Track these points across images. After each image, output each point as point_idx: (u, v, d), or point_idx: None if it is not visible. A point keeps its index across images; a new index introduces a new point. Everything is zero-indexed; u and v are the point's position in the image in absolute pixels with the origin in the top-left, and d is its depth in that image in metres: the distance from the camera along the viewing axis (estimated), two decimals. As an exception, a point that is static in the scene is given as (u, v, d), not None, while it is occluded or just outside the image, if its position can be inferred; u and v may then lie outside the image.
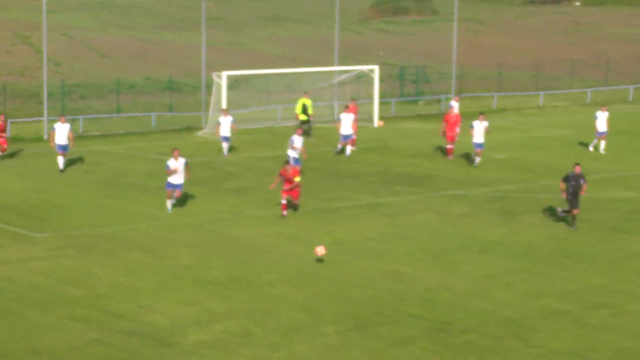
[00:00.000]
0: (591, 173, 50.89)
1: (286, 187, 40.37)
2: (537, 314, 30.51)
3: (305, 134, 60.54)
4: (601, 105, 60.53)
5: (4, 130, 52.98)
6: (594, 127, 58.79)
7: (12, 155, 57.06)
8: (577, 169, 39.98)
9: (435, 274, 35.41)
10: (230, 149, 56.39)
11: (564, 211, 40.48)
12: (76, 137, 58.84)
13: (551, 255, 38.00)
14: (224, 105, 60.54)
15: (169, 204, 39.69)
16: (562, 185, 39.89)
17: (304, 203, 44.66)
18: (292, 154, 48.95)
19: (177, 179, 39.20)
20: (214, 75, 64.70)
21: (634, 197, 49.03)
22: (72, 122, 62.50)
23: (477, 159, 53.22)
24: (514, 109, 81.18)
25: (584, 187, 39.96)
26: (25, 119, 66.19)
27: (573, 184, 39.40)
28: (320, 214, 43.95)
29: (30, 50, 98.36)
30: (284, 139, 57.37)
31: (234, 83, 68.36)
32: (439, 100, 78.91)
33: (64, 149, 50.56)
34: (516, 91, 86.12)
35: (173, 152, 39.35)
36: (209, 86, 67.06)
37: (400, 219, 43.75)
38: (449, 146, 55.12)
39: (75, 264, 35.77)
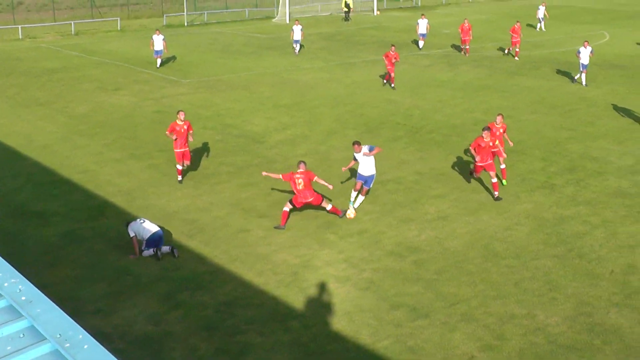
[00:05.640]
0: (500, 40, 57.07)
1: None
2: (471, 122, 35.87)
3: (346, 19, 73.99)
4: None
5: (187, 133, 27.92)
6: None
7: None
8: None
9: (412, 99, 40.96)
10: (300, 47, 57.18)
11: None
12: (202, 24, 71.07)
13: (478, 88, 43.62)
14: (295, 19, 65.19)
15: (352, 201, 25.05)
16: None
17: (332, 59, 52.83)
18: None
19: (368, 169, 24.52)
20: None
21: (524, 54, 54.77)
22: (199, 15, 75.36)
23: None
24: (455, 3, 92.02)
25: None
26: (173, 14, 77.68)
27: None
28: (344, 66, 50.82)
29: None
30: (322, 23, 72.51)
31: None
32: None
33: (158, 53, 50.26)
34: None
35: (354, 146, 24.57)
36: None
37: (390, 67, 50.40)
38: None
39: (206, 96, 41.94)
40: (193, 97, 41.58)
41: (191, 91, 43.17)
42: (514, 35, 52.91)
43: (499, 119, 27.92)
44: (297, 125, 35.89)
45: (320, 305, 18.86)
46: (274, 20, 76.40)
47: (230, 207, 25.47)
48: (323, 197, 24.28)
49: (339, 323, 17.98)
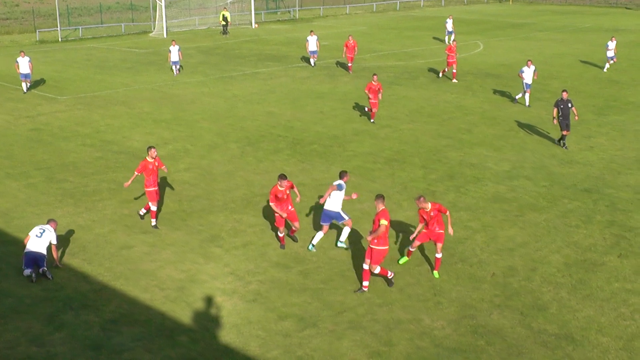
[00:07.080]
0: (378, 50, 61.30)
1: None
2: (351, 133, 36.53)
3: (224, 33, 73.59)
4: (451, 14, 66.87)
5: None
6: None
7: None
8: (564, 95, 33.66)
9: (292, 111, 41.25)
10: (180, 68, 53.83)
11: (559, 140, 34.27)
12: (77, 39, 69.97)
13: (357, 99, 43.62)
14: (172, 40, 56.31)
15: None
16: (554, 112, 33.74)
17: (211, 73, 53.80)
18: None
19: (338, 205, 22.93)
20: (157, -1, 75.23)
21: (402, 65, 56.34)
22: (74, 31, 74.19)
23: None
24: (332, 15, 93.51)
25: (574, 110, 33.89)
26: (46, 29, 75.02)
27: (562, 107, 33.42)
28: (224, 79, 50.59)
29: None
30: (200, 37, 72.18)
31: (168, 4, 76.89)
32: (289, 12, 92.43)
33: (26, 76, 46.70)
34: (333, 5, 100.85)
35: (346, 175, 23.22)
36: (155, 6, 77.56)
37: (270, 81, 50.34)
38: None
39: (83, 113, 41.08)
40: (70, 114, 40.77)
41: (68, 108, 42.30)
42: (450, 54, 48.84)
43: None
44: (178, 140, 35.64)
45: (207, 319, 18.82)
46: (151, 34, 75.50)
47: (113, 224, 25.14)
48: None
49: (228, 336, 17.99)
